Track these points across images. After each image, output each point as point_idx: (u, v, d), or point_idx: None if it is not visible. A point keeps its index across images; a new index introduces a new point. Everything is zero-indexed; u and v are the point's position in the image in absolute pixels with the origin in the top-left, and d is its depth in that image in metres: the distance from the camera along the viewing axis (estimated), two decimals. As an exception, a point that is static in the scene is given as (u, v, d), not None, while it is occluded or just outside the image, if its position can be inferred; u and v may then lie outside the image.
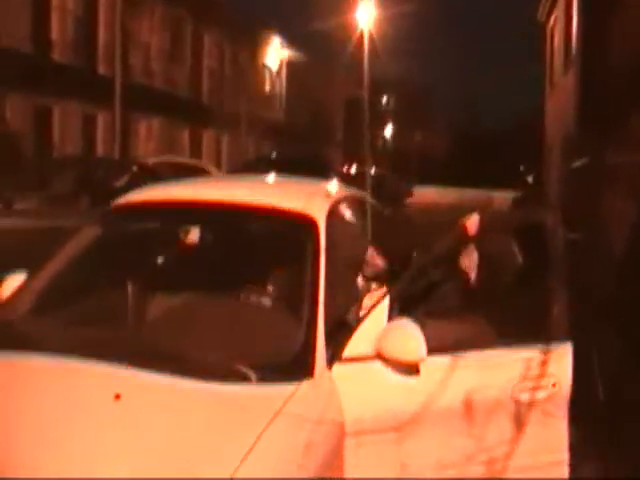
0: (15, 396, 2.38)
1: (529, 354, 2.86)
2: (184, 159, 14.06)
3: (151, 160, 12.27)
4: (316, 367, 2.52)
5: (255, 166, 16.47)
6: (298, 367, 2.51)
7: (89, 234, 3.37)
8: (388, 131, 57.73)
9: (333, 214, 3.13)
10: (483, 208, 4.01)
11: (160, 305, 3.38)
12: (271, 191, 3.53)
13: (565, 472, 2.92)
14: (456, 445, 2.78)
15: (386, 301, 2.76)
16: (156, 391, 2.35)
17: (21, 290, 3.11)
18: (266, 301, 3.19)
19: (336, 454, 2.47)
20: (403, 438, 2.68)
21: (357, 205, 3.83)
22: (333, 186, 4.00)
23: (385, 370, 2.64)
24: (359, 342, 2.64)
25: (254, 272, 3.28)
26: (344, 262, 3.28)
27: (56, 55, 18.49)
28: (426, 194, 31.77)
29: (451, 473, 2.78)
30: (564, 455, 2.91)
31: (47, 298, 3.08)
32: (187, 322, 3.01)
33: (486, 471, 2.82)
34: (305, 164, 17.81)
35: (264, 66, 34.40)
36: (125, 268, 3.45)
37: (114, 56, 18.04)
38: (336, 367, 2.58)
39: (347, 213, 3.43)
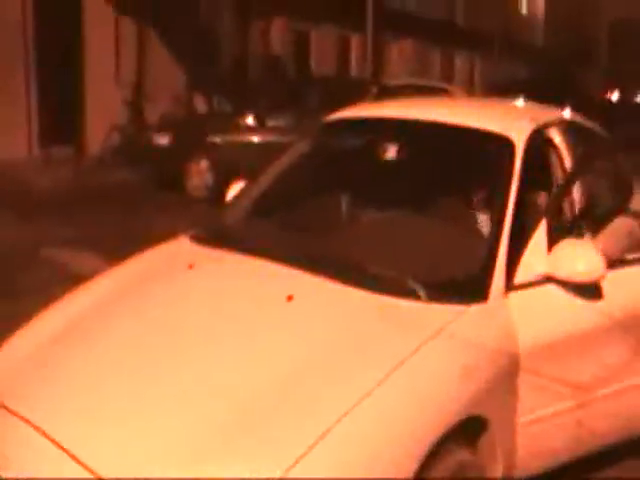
0: (204, 285, 2.66)
1: None
2: (427, 81, 14.02)
3: (393, 82, 12.46)
4: (491, 291, 2.48)
5: (506, 89, 16.01)
6: (471, 289, 2.48)
7: (302, 147, 3.65)
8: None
9: (536, 138, 3.05)
10: None
11: (357, 216, 3.59)
12: (475, 113, 3.50)
13: None
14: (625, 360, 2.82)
15: (544, 222, 2.65)
16: (325, 298, 2.46)
17: (239, 196, 3.46)
18: (455, 220, 3.17)
19: (506, 386, 2.41)
20: (583, 358, 2.68)
21: (577, 133, 3.57)
22: (548, 111, 3.74)
23: (562, 293, 2.60)
24: (529, 267, 2.57)
25: (448, 191, 3.33)
26: (541, 187, 3.23)
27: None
28: None
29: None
30: None
31: (260, 204, 3.39)
32: (375, 235, 3.15)
33: None
34: (559, 87, 16.99)
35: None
36: (329, 180, 3.64)
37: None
38: (512, 295, 2.52)
39: (557, 139, 3.24)
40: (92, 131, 12.53)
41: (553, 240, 2.64)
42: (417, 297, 2.43)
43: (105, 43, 13.16)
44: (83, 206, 8.71)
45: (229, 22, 16.05)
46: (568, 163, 3.21)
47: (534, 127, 3.12)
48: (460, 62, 27.77)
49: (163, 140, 10.01)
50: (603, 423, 2.94)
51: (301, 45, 18.82)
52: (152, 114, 13.09)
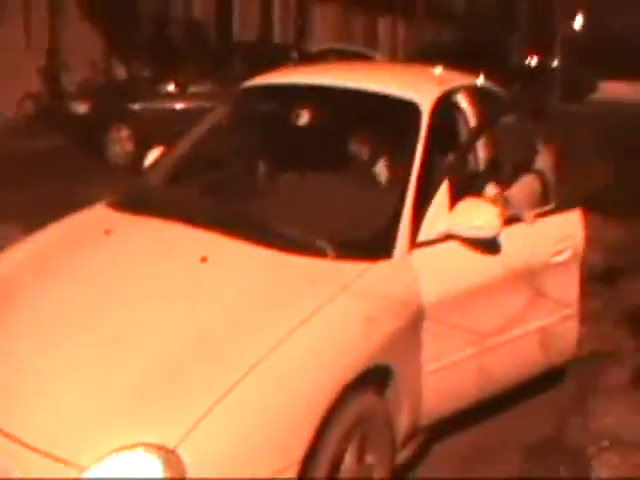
0: (121, 250, 2.72)
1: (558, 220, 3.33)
2: (348, 46, 14.06)
3: (314, 47, 12.44)
4: (396, 248, 2.61)
5: (428, 53, 16.17)
6: (377, 246, 2.61)
7: (220, 113, 3.71)
8: (578, 21, 53.63)
9: (442, 102, 3.18)
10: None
11: (271, 180, 3.72)
12: (384, 78, 3.62)
13: (576, 325, 3.51)
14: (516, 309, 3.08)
15: (446, 182, 2.80)
16: (237, 258, 2.55)
17: (157, 162, 3.49)
18: (364, 182, 3.31)
19: (411, 337, 2.55)
20: (477, 308, 2.85)
21: (484, 98, 3.76)
22: (453, 75, 3.94)
23: (462, 249, 2.76)
24: (431, 226, 2.71)
25: (359, 154, 3.46)
26: (447, 149, 3.36)
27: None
28: (614, 88, 29.51)
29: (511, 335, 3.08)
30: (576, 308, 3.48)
31: (177, 170, 3.44)
32: (287, 197, 3.28)
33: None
34: (481, 52, 17.27)
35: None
36: (246, 146, 3.81)
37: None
38: (417, 252, 2.66)
39: (464, 103, 3.42)
40: (3, 100, 12.04)
41: (456, 199, 2.78)
42: (325, 255, 2.52)
43: (14, 7, 12.60)
44: (4, 175, 8.42)
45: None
46: (473, 126, 3.38)
47: (441, 92, 3.24)
48: (383, 27, 27.83)
49: (82, 108, 9.77)
50: (502, 368, 3.14)
51: (223, 9, 18.49)
52: (68, 81, 12.69)
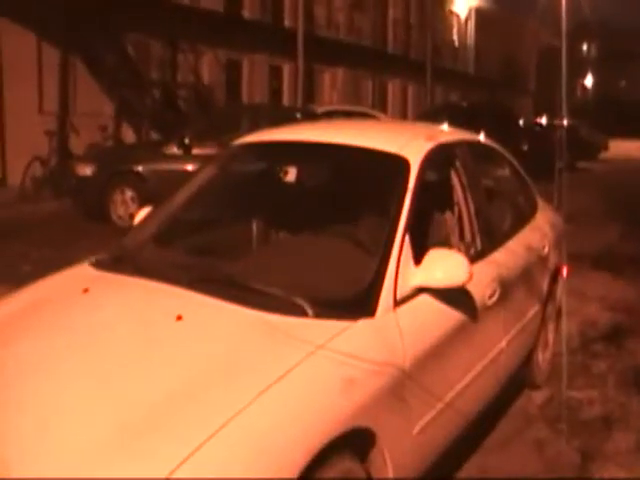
0: (97, 309, 2.64)
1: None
2: (352, 107, 14.17)
3: (320, 108, 12.53)
4: (379, 307, 2.52)
5: (435, 114, 16.33)
6: (358, 305, 2.52)
7: (208, 172, 3.69)
8: (588, 81, 54.30)
9: (432, 157, 3.14)
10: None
11: (255, 238, 3.68)
12: (373, 134, 3.59)
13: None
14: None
15: (406, 237, 2.75)
16: (214, 317, 2.47)
17: (143, 221, 3.47)
18: (350, 239, 3.22)
19: (395, 399, 2.44)
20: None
21: (479, 153, 3.85)
22: (449, 131, 4.01)
23: (433, 301, 2.73)
24: (404, 281, 2.65)
25: (347, 210, 3.36)
26: (436, 206, 3.40)
27: (245, 12, 19.29)
28: (623, 147, 29.67)
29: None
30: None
31: (162, 229, 3.41)
32: (268, 255, 3.25)
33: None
34: (490, 112, 17.46)
35: (451, 13, 33.48)
36: (231, 204, 3.75)
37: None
38: (399, 309, 2.59)
39: (457, 158, 3.43)
40: (12, 162, 12.18)
41: (420, 250, 2.75)
42: (304, 314, 2.44)
43: (27, 71, 12.87)
44: (2, 239, 8.43)
45: (158, 51, 15.94)
46: (465, 179, 3.39)
47: (431, 147, 3.20)
48: (393, 89, 28.24)
49: (87, 170, 9.83)
50: (479, 395, 3.19)
51: (233, 74, 18.83)
52: (77, 145, 12.85)
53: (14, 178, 11.75)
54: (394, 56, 27.32)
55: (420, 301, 2.70)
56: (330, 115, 11.14)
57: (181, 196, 3.54)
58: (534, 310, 3.97)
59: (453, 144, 3.61)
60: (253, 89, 19.57)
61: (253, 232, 3.79)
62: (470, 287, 2.83)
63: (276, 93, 20.60)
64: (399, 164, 3.00)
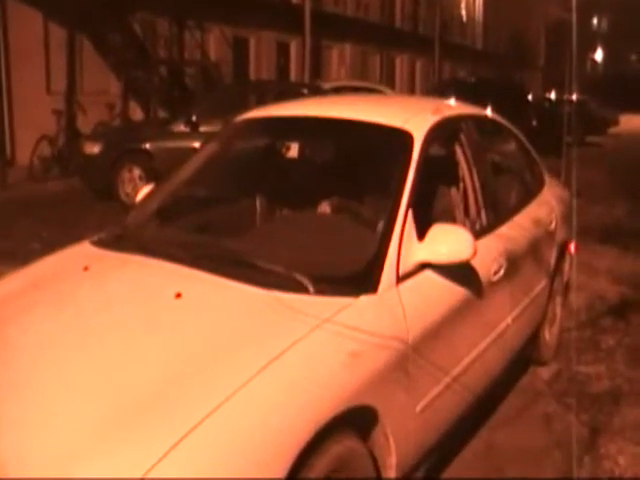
0: (97, 287, 2.65)
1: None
2: (360, 82, 14.08)
3: (326, 84, 12.45)
4: (381, 283, 2.48)
5: (443, 90, 16.21)
6: (360, 281, 2.48)
7: (210, 148, 3.65)
8: (598, 55, 53.73)
9: (436, 132, 3.10)
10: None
11: (258, 214, 3.63)
12: (376, 108, 3.54)
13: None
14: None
15: (410, 212, 2.70)
16: (213, 295, 2.43)
17: (145, 199, 3.45)
18: (353, 214, 3.19)
19: (398, 376, 2.41)
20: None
21: (482, 125, 3.78)
22: (451, 105, 3.91)
23: (437, 276, 2.69)
24: (406, 257, 2.61)
25: (350, 186, 3.32)
26: (441, 180, 3.35)
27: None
28: (633, 121, 29.46)
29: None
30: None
31: (164, 206, 3.37)
32: (271, 232, 3.18)
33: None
34: (498, 87, 17.33)
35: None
36: (233, 180, 3.70)
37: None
38: (402, 285, 2.55)
39: (462, 133, 3.38)
40: (21, 142, 12.18)
41: (425, 225, 2.69)
42: (305, 290, 2.40)
43: (33, 51, 12.83)
44: (11, 218, 8.46)
45: (165, 29, 15.85)
46: (470, 154, 3.34)
47: (435, 121, 3.15)
48: (401, 64, 28.03)
49: (94, 149, 9.81)
50: (480, 380, 3.12)
51: (240, 51, 18.72)
52: (85, 123, 12.83)
53: (23, 158, 11.74)
54: (402, 31, 27.08)
55: (424, 277, 2.66)
56: (338, 91, 11.07)
57: (183, 173, 3.52)
58: (541, 286, 3.94)
59: (458, 118, 3.56)
60: (260, 66, 19.47)
61: (255, 209, 3.76)
62: (475, 262, 2.78)
63: (283, 70, 20.48)
64: (403, 138, 2.95)
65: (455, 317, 2.78)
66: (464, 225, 3.15)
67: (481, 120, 3.93)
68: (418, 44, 26.93)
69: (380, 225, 2.68)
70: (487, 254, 3.08)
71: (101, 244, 3.03)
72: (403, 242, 2.60)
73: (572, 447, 3.35)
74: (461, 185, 3.35)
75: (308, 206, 3.37)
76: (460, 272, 2.77)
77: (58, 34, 13.20)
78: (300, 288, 2.40)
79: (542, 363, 4.31)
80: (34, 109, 12.29)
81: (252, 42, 19.26)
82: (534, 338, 4.08)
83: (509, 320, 3.36)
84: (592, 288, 5.80)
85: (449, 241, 2.62)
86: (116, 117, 13.76)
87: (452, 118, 3.46)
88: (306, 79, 16.53)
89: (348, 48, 23.44)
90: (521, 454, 3.33)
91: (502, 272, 3.19)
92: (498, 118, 4.20)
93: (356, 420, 2.21)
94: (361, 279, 2.49)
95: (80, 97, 13.43)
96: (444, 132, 3.28)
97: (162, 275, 2.61)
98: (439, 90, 16.45)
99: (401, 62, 27.94)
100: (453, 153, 3.35)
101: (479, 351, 3.01)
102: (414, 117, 3.18)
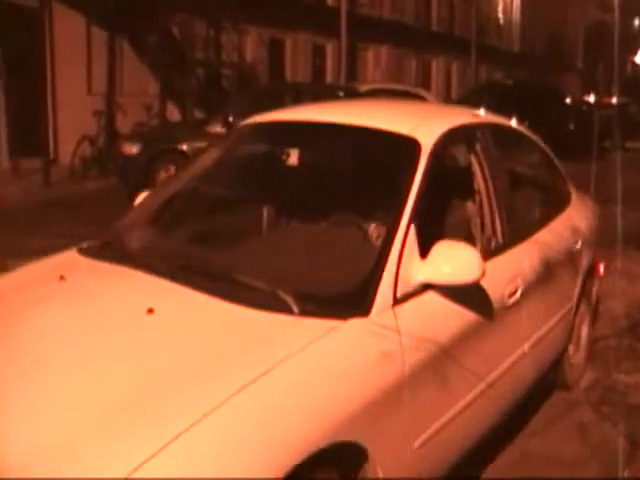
0: (70, 298, 2.49)
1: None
2: (396, 85, 14.03)
3: (363, 87, 12.43)
4: (375, 304, 2.25)
5: (479, 93, 16.09)
6: (350, 302, 2.24)
7: (212, 153, 3.50)
8: (639, 57, 52.80)
9: (448, 140, 2.93)
10: None
11: (248, 224, 3.45)
12: (384, 114, 3.34)
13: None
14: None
15: (412, 228, 2.47)
16: (188, 311, 2.26)
17: (139, 205, 3.32)
18: (351, 227, 2.94)
19: (390, 405, 2.18)
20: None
21: (502, 136, 3.54)
22: (467, 112, 3.70)
23: (441, 299, 2.45)
24: (406, 277, 2.37)
25: (351, 196, 3.03)
26: (453, 193, 3.14)
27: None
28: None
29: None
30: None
31: (157, 213, 3.22)
32: (261, 245, 3.05)
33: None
34: (535, 90, 17.13)
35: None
36: (232, 188, 3.44)
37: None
38: (397, 308, 2.31)
39: (476, 142, 3.14)
40: (64, 142, 12.40)
41: (427, 242, 2.47)
42: (288, 310, 2.18)
43: (76, 53, 13.05)
44: (52, 217, 8.61)
45: (202, 30, 15.98)
46: (486, 166, 3.10)
47: (446, 129, 2.97)
48: (437, 67, 27.87)
49: (132, 149, 9.94)
50: (493, 411, 2.91)
51: (276, 53, 18.80)
52: (124, 124, 13.00)
53: (65, 157, 11.96)
54: (438, 34, 26.92)
55: (426, 299, 2.41)
56: (373, 94, 11.06)
57: (179, 179, 3.39)
58: (564, 310, 3.64)
59: (473, 127, 3.31)
60: (296, 68, 19.52)
61: (251, 219, 3.55)
62: (486, 284, 2.54)
63: (319, 72, 20.51)
64: (409, 146, 2.74)
65: (461, 345, 2.53)
66: (477, 242, 2.96)
67: (500, 130, 3.67)
68: (454, 47, 26.74)
69: (379, 240, 2.48)
70: (501, 275, 2.85)
71: (85, 252, 2.89)
72: (403, 260, 2.36)
73: (611, 459, 3.27)
74: (476, 199, 3.10)
75: (306, 217, 3.16)
76: (468, 294, 2.50)
77: (99, 37, 13.43)
78: (283, 307, 2.19)
79: (566, 388, 4.03)
80: (76, 110, 12.49)
81: (288, 44, 19.33)
82: (557, 364, 3.81)
83: (526, 348, 3.09)
84: (631, 295, 5.72)
85: (454, 260, 2.36)
86: (154, 118, 13.92)
87: (467, 126, 3.25)
88: (342, 81, 16.53)
89: (384, 50, 23.38)
90: (556, 464, 3.27)
91: (518, 295, 2.93)
92: (520, 128, 3.95)
93: (341, 457, 1.99)
94: (352, 299, 2.26)
95: (119, 98, 13.61)
96: (457, 141, 3.09)
97: (138, 289, 2.45)
98: (476, 94, 16.32)
99: (437, 65, 27.78)
100: (468, 164, 3.11)
101: (489, 382, 2.76)
102: (423, 124, 2.99)
